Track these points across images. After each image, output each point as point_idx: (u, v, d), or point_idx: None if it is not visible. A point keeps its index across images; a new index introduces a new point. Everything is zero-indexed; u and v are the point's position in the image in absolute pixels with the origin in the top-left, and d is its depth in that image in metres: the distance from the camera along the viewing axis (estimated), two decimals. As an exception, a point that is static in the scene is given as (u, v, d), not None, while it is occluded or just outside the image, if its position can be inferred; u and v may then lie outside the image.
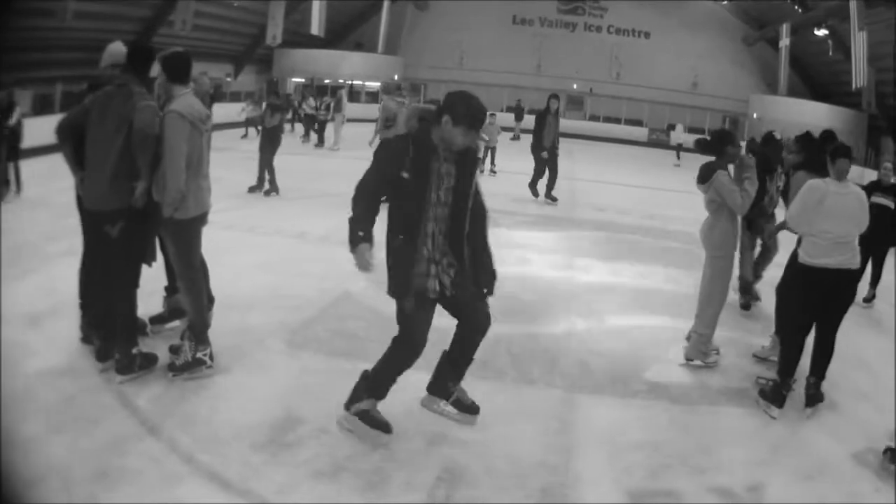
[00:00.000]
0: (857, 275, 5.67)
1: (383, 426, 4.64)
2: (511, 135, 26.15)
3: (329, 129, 22.99)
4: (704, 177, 6.20)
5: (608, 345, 6.68)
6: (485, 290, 4.65)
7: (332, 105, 23.38)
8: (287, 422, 4.77)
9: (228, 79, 35.40)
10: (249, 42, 36.63)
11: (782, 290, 6.06)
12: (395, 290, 4.49)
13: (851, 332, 6.25)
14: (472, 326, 4.66)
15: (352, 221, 4.33)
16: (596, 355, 6.42)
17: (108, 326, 5.31)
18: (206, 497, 3.93)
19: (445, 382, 4.88)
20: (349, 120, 23.37)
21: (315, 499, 4.00)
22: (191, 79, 5.44)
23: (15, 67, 20.15)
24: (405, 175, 4.34)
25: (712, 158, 6.30)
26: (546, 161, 14.34)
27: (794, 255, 5.74)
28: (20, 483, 3.71)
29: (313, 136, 23.42)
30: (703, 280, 6.43)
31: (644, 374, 6.12)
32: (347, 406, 4.67)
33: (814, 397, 5.61)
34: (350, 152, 18.85)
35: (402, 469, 4.34)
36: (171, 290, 6.10)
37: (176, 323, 6.06)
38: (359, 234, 4.30)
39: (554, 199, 14.45)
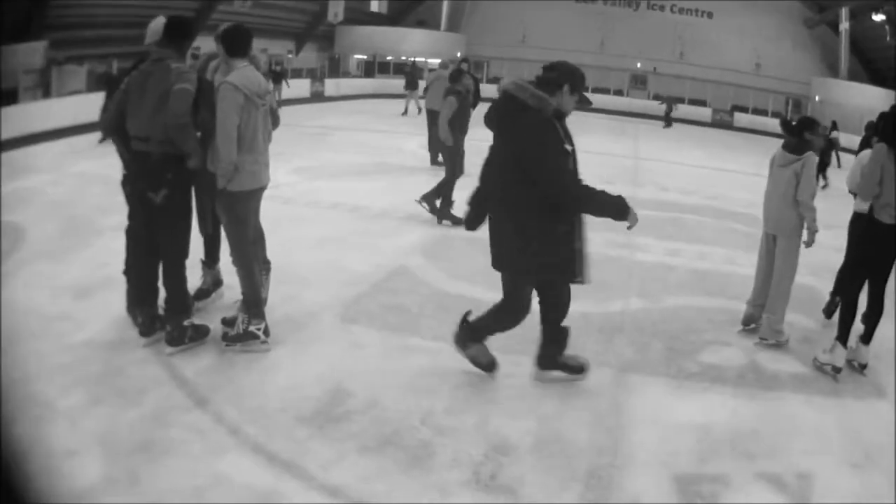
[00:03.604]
0: None
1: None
2: None
3: None
4: (800, 148, 6.15)
5: (664, 325, 6.55)
6: None
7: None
8: (335, 395, 4.76)
9: (290, 55, 35.60)
10: (311, 19, 36.78)
11: None
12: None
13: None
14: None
15: (602, 198, 4.66)
16: (650, 335, 6.31)
17: (152, 302, 5.33)
18: (250, 469, 3.93)
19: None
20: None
21: (359, 473, 3.97)
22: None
23: (71, 44, 20.43)
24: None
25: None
26: None
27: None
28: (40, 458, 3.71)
29: None
30: (777, 261, 6.31)
31: (699, 355, 5.99)
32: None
33: None
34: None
35: (448, 445, 4.30)
36: (209, 262, 6.13)
37: (222, 292, 6.16)
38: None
39: None
